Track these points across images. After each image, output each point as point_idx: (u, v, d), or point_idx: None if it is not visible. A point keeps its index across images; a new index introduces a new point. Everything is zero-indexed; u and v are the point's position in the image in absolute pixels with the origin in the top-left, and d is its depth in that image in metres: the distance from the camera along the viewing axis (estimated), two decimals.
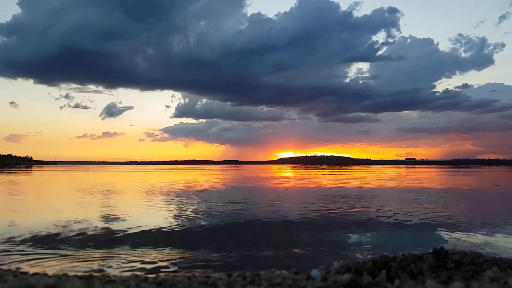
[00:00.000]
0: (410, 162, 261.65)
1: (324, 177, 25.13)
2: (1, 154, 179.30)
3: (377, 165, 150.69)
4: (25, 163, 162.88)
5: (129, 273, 3.17)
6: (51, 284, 1.56)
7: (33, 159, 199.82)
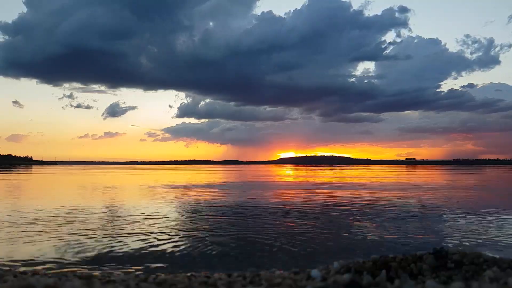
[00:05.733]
0: (410, 162, 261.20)
1: (315, 179, 25.13)
2: (1, 154, 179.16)
3: (376, 165, 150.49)
4: (25, 163, 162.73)
5: (129, 273, 3.17)
6: (51, 284, 1.56)
7: (33, 159, 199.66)
